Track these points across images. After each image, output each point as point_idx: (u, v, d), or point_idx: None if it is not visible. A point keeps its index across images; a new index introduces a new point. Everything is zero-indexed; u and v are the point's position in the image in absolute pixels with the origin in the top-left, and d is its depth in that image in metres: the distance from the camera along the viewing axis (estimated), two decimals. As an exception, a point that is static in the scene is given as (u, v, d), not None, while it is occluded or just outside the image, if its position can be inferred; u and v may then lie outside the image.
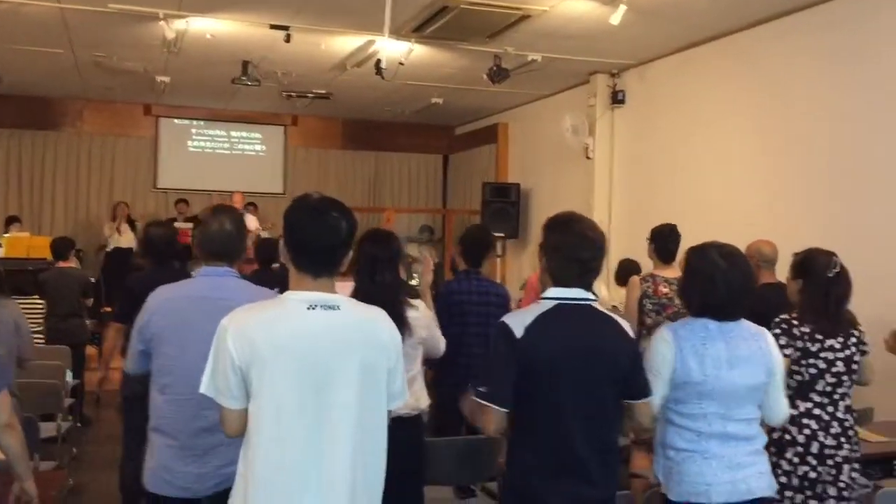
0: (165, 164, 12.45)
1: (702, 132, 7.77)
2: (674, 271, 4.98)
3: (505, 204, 10.71)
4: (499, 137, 11.90)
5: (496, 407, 2.39)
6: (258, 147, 13.05)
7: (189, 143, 12.66)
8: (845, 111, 6.15)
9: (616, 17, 6.37)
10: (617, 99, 8.98)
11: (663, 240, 5.01)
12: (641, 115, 8.78)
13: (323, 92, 10.44)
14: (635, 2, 6.30)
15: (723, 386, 2.55)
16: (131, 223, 11.12)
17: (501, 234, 10.15)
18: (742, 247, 2.99)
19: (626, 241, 8.07)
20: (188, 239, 10.50)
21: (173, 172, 12.44)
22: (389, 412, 2.24)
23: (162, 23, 7.24)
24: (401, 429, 3.20)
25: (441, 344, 3.57)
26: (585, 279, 2.50)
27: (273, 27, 7.44)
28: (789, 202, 6.62)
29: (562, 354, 2.42)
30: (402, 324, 3.16)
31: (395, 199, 13.54)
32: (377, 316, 2.24)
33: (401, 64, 7.86)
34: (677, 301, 4.88)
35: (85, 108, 12.04)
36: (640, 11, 6.55)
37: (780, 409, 2.72)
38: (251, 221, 10.54)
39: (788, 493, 3.16)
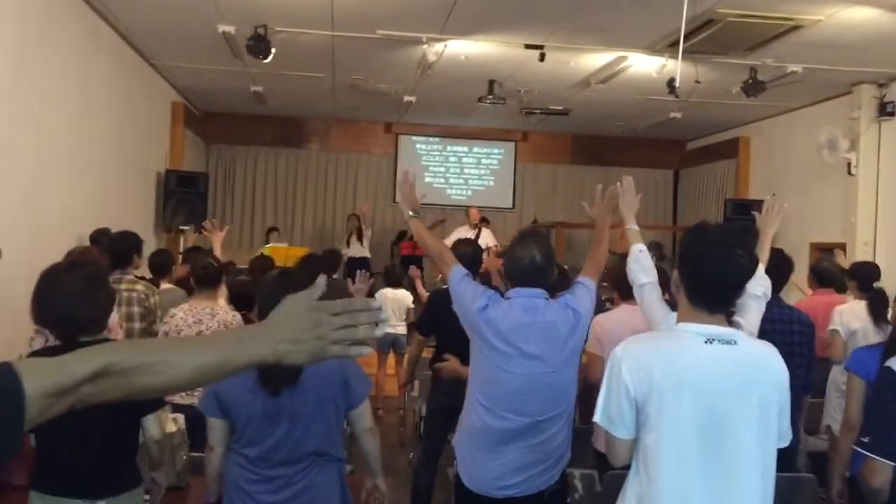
0: (403, 180, 13.02)
1: None
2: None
3: (750, 222, 10.20)
4: (739, 152, 11.39)
5: (881, 460, 2.25)
6: (489, 162, 13.35)
7: (425, 158, 13.20)
8: None
9: (906, 23, 5.92)
10: (885, 111, 8.31)
11: None
12: (915, 129, 8.09)
13: (561, 108, 10.48)
14: (929, 6, 5.83)
15: None
16: (359, 233, 11.54)
17: (746, 255, 9.71)
18: None
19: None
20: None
21: (411, 187, 12.99)
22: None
23: (424, 46, 7.58)
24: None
25: None
26: None
27: (528, 47, 7.57)
28: None
29: None
30: None
31: (624, 214, 13.30)
32: (770, 351, 2.13)
33: (697, 82, 7.73)
34: None
35: (332, 127, 12.87)
36: (932, 17, 6.04)
37: None
38: (487, 237, 10.77)
39: None
